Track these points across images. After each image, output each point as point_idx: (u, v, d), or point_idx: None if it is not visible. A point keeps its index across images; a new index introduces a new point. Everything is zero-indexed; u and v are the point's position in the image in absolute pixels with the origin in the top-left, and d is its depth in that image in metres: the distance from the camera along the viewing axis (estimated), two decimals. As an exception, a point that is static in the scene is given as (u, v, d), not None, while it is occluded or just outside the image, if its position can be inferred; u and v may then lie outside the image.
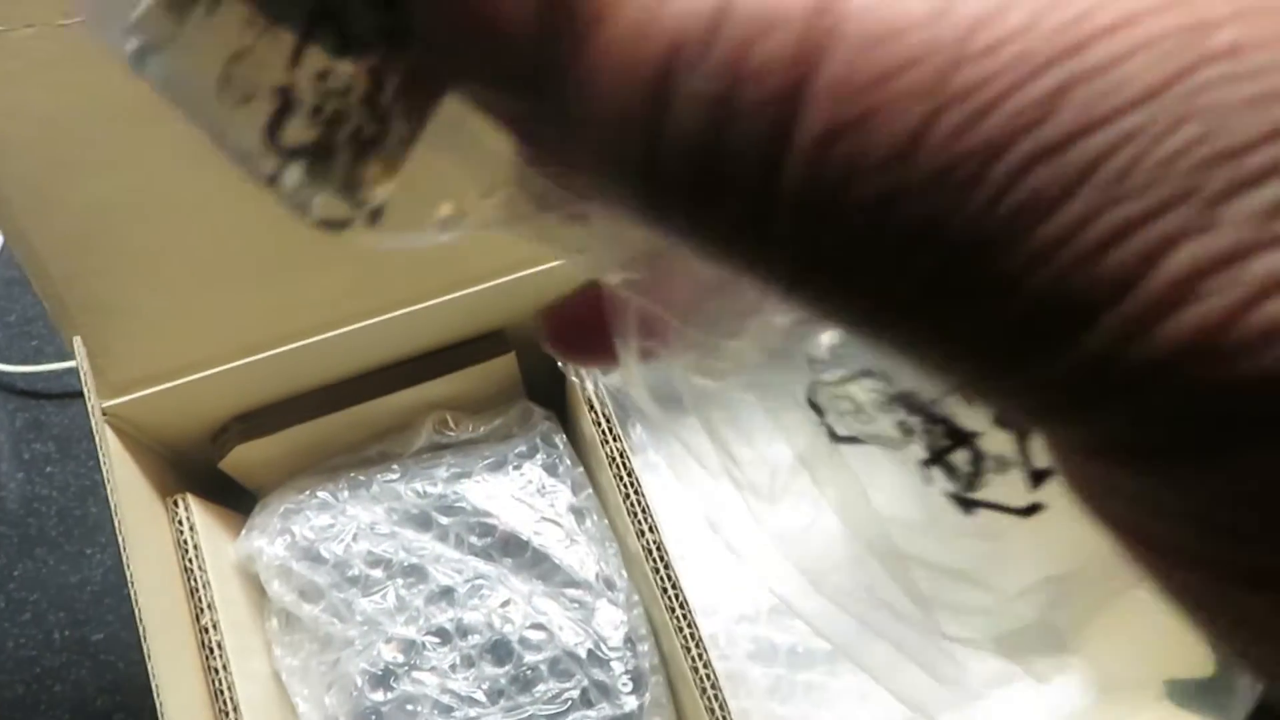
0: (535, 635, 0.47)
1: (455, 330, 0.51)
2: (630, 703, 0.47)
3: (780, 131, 0.09)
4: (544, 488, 0.51)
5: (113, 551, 0.57)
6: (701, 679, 0.44)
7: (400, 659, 0.47)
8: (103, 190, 0.38)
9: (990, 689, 0.45)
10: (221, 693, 0.42)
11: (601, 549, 0.50)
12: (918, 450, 0.14)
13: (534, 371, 0.53)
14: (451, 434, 0.52)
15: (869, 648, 0.16)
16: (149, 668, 0.38)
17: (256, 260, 0.43)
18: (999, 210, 0.08)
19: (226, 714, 0.42)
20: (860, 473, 0.15)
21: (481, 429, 0.53)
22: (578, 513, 0.51)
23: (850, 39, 0.08)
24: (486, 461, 0.51)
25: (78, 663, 0.55)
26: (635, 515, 0.46)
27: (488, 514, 0.50)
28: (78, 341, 0.42)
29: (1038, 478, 0.13)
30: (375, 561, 0.48)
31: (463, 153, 0.12)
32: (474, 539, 0.50)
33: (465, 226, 0.13)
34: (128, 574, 0.39)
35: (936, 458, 0.14)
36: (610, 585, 0.49)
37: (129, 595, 0.39)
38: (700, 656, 0.44)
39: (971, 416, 0.14)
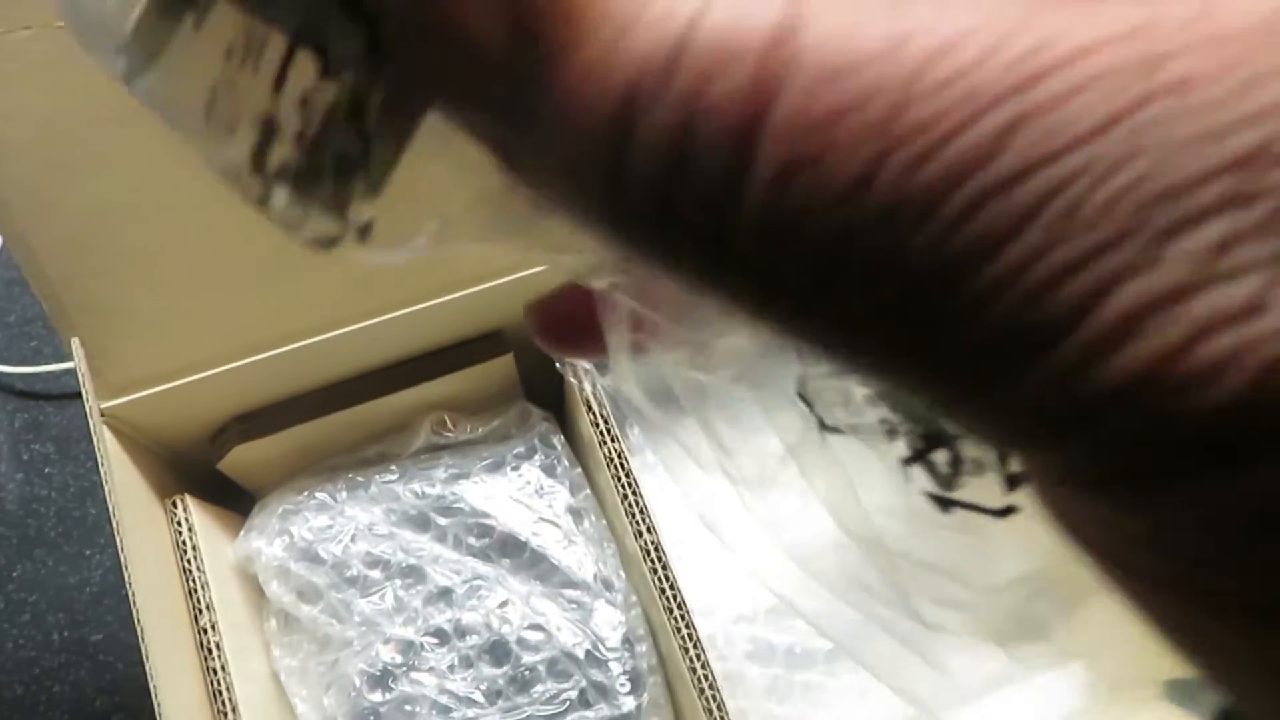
0: (533, 636, 0.48)
1: (453, 331, 0.51)
2: (628, 703, 0.47)
3: (738, 164, 0.09)
4: (542, 488, 0.51)
5: (112, 552, 0.57)
6: (699, 679, 0.44)
7: (398, 660, 0.47)
8: (101, 191, 0.38)
9: (990, 689, 0.45)
10: (220, 693, 0.42)
11: (599, 550, 0.50)
12: (900, 448, 0.14)
13: (532, 372, 0.53)
14: (450, 435, 0.52)
15: (867, 644, 0.16)
16: (147, 668, 0.38)
17: (255, 261, 0.43)
18: (952, 245, 0.08)
19: (225, 714, 0.42)
20: (847, 465, 0.15)
21: (480, 430, 0.53)
22: (576, 513, 0.51)
23: (806, 73, 0.09)
24: (485, 462, 0.51)
25: (77, 663, 0.55)
26: (633, 516, 0.46)
27: (486, 515, 0.50)
28: (76, 343, 0.42)
29: (1013, 481, 0.13)
30: (374, 562, 0.48)
31: (452, 163, 0.12)
32: (472, 540, 0.50)
33: (455, 239, 0.13)
34: (126, 575, 0.39)
35: (917, 456, 0.14)
36: (608, 586, 0.49)
37: (128, 596, 0.39)
38: (698, 657, 0.44)
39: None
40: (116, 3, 0.11)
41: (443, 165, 0.12)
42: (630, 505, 0.46)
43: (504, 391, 0.54)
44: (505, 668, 0.47)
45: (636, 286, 0.14)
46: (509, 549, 0.50)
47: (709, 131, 0.09)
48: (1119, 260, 0.08)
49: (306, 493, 0.50)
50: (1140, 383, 0.08)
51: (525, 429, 0.53)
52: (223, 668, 0.43)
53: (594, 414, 0.47)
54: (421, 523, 0.50)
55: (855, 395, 0.14)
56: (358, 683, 0.46)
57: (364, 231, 0.12)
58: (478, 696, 0.46)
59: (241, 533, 0.50)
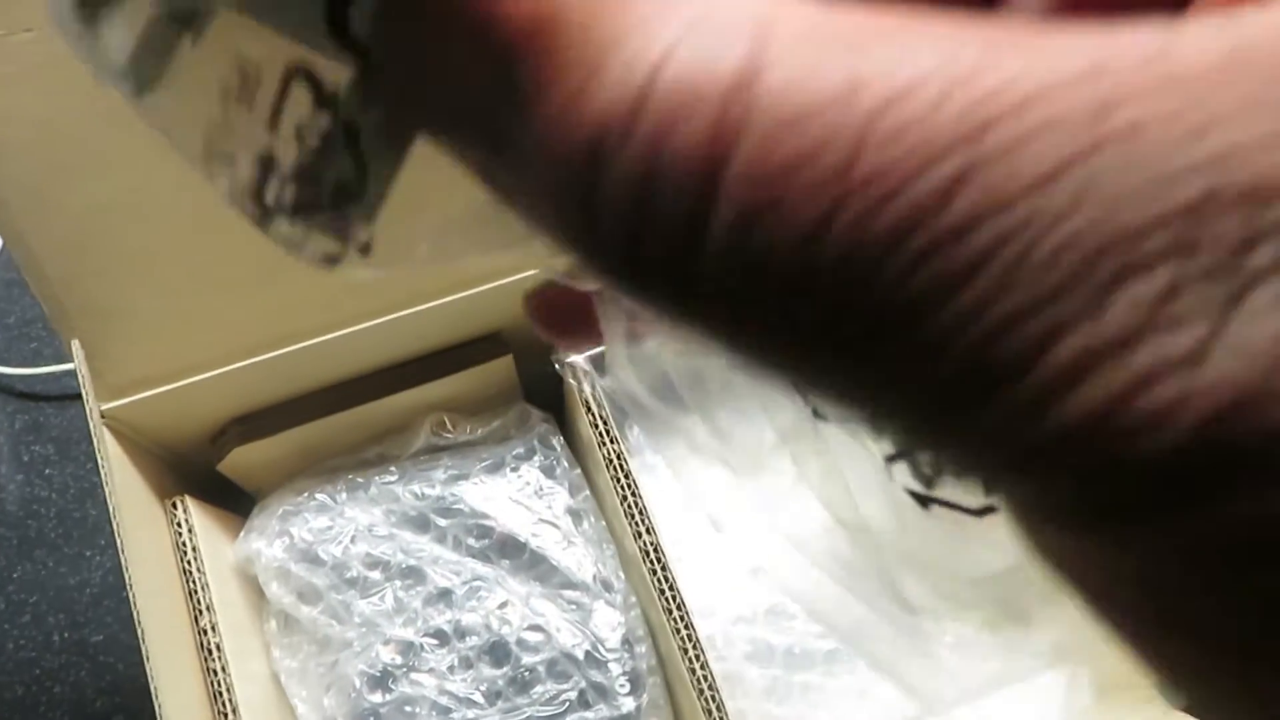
0: (533, 637, 0.48)
1: (453, 332, 0.51)
2: (628, 704, 0.47)
3: (701, 207, 0.09)
4: (542, 489, 0.51)
5: (112, 553, 0.58)
6: (699, 680, 0.44)
7: (398, 660, 0.47)
8: (101, 193, 0.38)
9: (990, 688, 0.45)
10: (220, 694, 0.42)
11: (599, 550, 0.50)
12: (885, 445, 0.14)
13: (532, 373, 0.53)
14: (449, 436, 0.52)
15: (866, 636, 0.16)
16: (148, 669, 0.38)
17: (255, 262, 0.43)
18: (908, 290, 0.08)
19: (225, 715, 0.42)
20: (838, 454, 0.15)
21: (479, 431, 0.53)
22: (575, 514, 0.51)
23: (763, 122, 0.09)
24: (484, 463, 0.51)
25: (77, 664, 0.55)
26: (633, 517, 0.46)
27: (485, 516, 0.50)
28: (76, 344, 0.42)
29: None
30: (373, 563, 0.48)
31: (449, 175, 0.12)
32: (472, 541, 0.50)
33: (454, 251, 0.13)
34: (126, 576, 0.39)
35: (901, 455, 0.14)
36: (608, 587, 0.49)
37: (128, 597, 0.39)
38: (697, 658, 0.44)
39: None
40: (113, 34, 0.11)
41: (440, 178, 0.12)
42: (629, 506, 0.46)
43: (503, 393, 0.54)
44: (505, 669, 0.47)
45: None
46: (508, 550, 0.50)
47: (673, 175, 0.09)
48: (1065, 309, 0.08)
49: (306, 494, 0.50)
50: (1095, 423, 0.08)
51: (525, 430, 0.53)
52: (223, 669, 0.43)
53: (593, 415, 0.48)
54: (421, 524, 0.50)
55: None
56: (358, 684, 0.46)
57: (365, 248, 0.12)
58: (477, 697, 0.47)
59: (241, 534, 0.50)
